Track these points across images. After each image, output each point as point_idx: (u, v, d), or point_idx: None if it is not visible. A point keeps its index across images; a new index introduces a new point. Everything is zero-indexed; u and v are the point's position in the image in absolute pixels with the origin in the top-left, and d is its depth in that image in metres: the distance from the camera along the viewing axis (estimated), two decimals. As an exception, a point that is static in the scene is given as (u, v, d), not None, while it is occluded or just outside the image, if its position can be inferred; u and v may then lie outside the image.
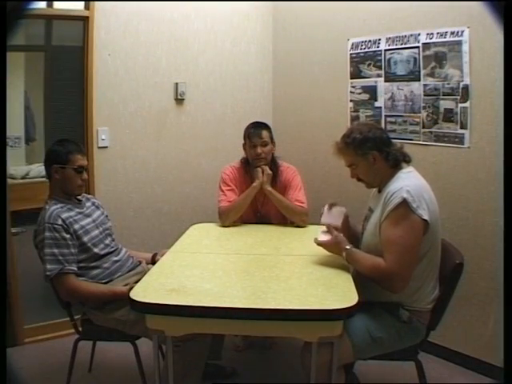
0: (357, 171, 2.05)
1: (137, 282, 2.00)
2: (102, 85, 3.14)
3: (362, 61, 3.13)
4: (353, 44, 3.18)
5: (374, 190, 2.15)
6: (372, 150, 1.98)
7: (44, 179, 2.38)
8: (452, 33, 2.63)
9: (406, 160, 2.04)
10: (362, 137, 1.98)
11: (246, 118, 3.23)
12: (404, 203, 1.83)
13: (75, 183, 2.26)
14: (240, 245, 2.46)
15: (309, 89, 3.53)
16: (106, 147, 3.20)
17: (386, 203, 1.89)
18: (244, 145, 2.87)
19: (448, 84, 2.68)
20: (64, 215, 2.16)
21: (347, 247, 1.98)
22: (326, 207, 2.23)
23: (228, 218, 2.75)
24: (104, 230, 2.36)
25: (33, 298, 3.08)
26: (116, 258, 2.33)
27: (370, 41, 3.07)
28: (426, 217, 1.83)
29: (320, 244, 2.07)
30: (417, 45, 2.80)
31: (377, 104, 3.08)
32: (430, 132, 2.80)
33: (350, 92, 3.23)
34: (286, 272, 2.11)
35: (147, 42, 3.29)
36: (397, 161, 2.00)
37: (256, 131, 2.78)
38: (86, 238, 2.21)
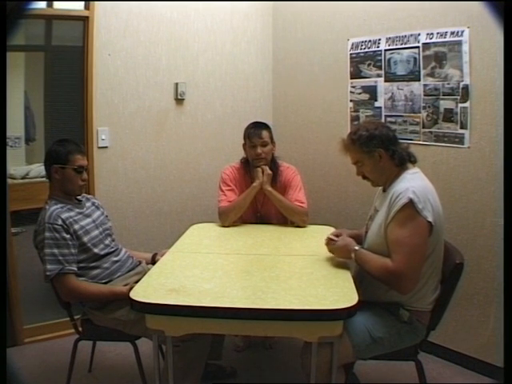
0: (362, 169, 2.05)
1: (137, 282, 2.01)
2: (102, 85, 3.14)
3: (362, 61, 3.13)
4: (353, 44, 3.18)
5: (379, 189, 2.15)
6: (378, 148, 1.98)
7: (44, 179, 2.38)
8: (452, 33, 2.63)
9: (412, 160, 2.04)
10: (368, 134, 1.99)
11: (246, 118, 3.23)
12: (410, 204, 1.82)
13: (75, 183, 2.26)
14: (240, 245, 2.46)
15: (309, 89, 3.53)
16: (106, 147, 3.20)
17: (392, 204, 1.89)
18: (244, 145, 2.87)
19: (448, 84, 2.68)
20: (64, 215, 2.16)
21: (356, 248, 1.99)
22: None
23: (228, 218, 2.75)
24: (104, 230, 2.36)
25: (33, 298, 3.08)
26: (116, 258, 2.33)
27: (369, 41, 3.07)
28: (430, 219, 1.83)
29: (330, 250, 2.10)
30: (417, 45, 2.80)
31: (377, 104, 3.08)
32: (430, 132, 2.80)
33: (350, 92, 3.23)
34: (286, 272, 2.11)
35: (147, 41, 3.29)
36: (402, 160, 2.00)
37: (256, 131, 2.78)
38: (85, 238, 2.21)
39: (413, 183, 1.90)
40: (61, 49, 3.70)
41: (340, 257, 2.09)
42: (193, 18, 3.45)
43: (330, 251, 2.11)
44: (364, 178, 2.08)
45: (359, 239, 2.16)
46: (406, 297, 1.92)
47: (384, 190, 2.06)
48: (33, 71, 4.51)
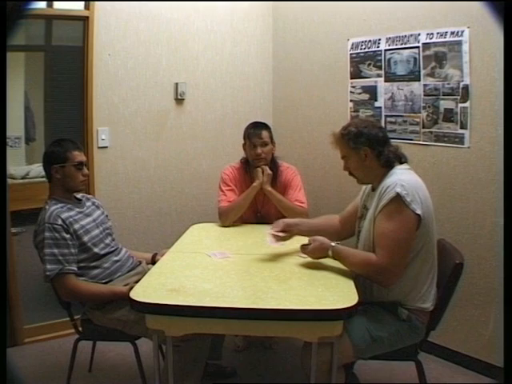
0: (348, 164, 2.07)
1: (137, 281, 2.00)
2: (102, 85, 3.14)
3: (362, 61, 3.13)
4: (353, 44, 3.18)
5: (367, 188, 2.15)
6: (364, 146, 1.99)
7: (44, 179, 2.38)
8: (452, 33, 2.63)
9: (402, 161, 2.03)
10: (356, 131, 2.01)
11: (246, 119, 3.23)
12: (398, 197, 1.84)
13: (77, 179, 2.26)
14: (240, 245, 2.46)
15: (309, 89, 3.53)
16: (106, 147, 3.20)
17: (381, 198, 1.91)
18: (244, 145, 2.87)
19: (448, 84, 2.68)
20: (64, 215, 2.16)
21: (332, 244, 2.00)
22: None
23: (228, 218, 2.75)
24: (104, 230, 2.36)
25: (33, 298, 3.08)
26: (116, 258, 2.33)
27: (369, 41, 3.07)
28: (419, 211, 1.83)
29: (306, 253, 2.08)
30: (417, 45, 2.80)
31: (377, 104, 3.08)
32: (430, 132, 2.80)
33: (350, 92, 3.23)
34: (285, 272, 2.10)
35: (147, 42, 3.29)
36: (388, 161, 2.00)
37: (256, 131, 2.78)
38: (86, 238, 2.21)
39: (402, 177, 1.91)
40: (61, 49, 3.70)
41: (317, 257, 2.07)
42: (193, 18, 3.45)
43: (306, 254, 2.09)
44: (350, 174, 2.10)
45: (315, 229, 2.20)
46: (402, 295, 1.93)
47: (373, 189, 2.06)
48: (33, 71, 4.51)
